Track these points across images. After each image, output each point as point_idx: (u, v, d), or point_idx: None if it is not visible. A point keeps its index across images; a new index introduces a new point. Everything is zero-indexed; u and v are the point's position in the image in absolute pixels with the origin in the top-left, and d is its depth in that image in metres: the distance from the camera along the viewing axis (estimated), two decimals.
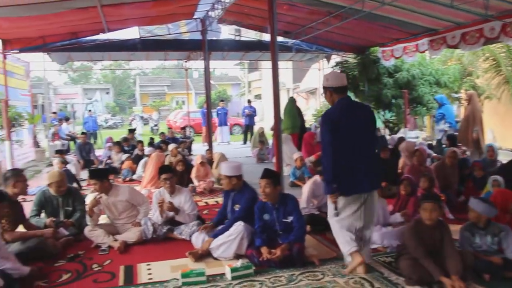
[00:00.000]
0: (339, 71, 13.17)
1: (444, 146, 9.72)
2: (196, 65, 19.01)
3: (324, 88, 4.29)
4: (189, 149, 13.49)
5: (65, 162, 9.14)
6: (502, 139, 13.38)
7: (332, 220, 4.29)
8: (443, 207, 6.00)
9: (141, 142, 11.07)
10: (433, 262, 3.85)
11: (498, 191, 4.79)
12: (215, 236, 4.72)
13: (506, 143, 12.90)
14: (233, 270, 4.09)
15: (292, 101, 11.75)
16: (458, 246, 4.23)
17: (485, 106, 14.80)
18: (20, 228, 4.99)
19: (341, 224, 4.21)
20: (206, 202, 7.49)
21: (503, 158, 7.49)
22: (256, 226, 4.59)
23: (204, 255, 4.65)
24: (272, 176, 4.54)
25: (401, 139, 9.35)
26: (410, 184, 5.71)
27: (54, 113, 19.97)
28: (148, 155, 9.48)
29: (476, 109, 9.52)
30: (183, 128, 17.66)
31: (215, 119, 17.60)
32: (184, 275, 4.00)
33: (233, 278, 4.06)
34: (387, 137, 11.73)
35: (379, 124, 13.37)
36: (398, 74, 11.97)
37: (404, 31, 10.00)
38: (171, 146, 9.31)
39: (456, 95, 15.55)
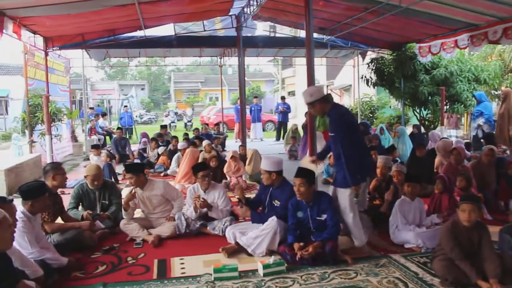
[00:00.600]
0: (374, 67, 12.99)
1: (482, 141, 9.49)
2: (230, 61, 19.10)
3: (311, 103, 4.64)
4: (223, 145, 13.58)
5: (110, 156, 9.39)
6: None
7: (350, 215, 4.57)
8: (482, 207, 5.85)
9: (175, 137, 11.21)
10: (470, 264, 3.76)
11: None
12: (254, 219, 4.87)
13: None
14: (266, 266, 4.10)
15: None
16: (497, 248, 4.12)
17: None
18: (59, 220, 5.13)
19: (356, 215, 4.61)
20: (238, 199, 7.50)
21: None
22: (289, 223, 4.59)
23: (237, 250, 4.68)
24: (307, 175, 4.51)
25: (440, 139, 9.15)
26: (442, 182, 5.61)
27: (91, 108, 20.45)
28: (181, 150, 9.60)
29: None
30: (217, 124, 17.76)
31: (249, 116, 17.64)
32: (216, 270, 4.03)
33: (265, 275, 4.07)
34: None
35: (415, 121, 13.12)
36: (435, 70, 11.69)
37: (443, 27, 9.76)
38: (205, 143, 9.40)
39: (497, 93, 15.11)
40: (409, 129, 12.02)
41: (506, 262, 3.80)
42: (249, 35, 13.04)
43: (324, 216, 4.47)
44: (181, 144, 9.99)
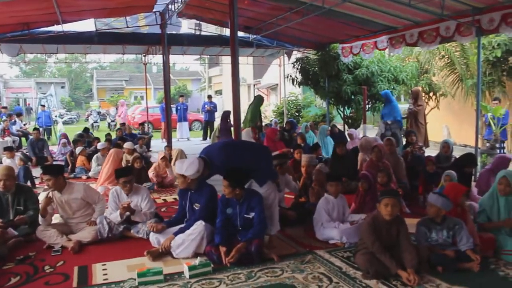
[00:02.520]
0: (299, 67, 13.22)
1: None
2: (155, 59, 18.66)
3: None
4: (148, 145, 13.24)
5: (25, 160, 8.81)
6: (456, 135, 13.83)
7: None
8: (401, 201, 6.13)
9: (97, 138, 10.76)
10: (390, 256, 3.93)
11: (449, 185, 4.90)
12: (176, 234, 4.62)
13: (461, 139, 13.34)
14: (191, 268, 4.02)
15: (260, 99, 12.06)
16: (414, 240, 4.32)
17: (440, 103, 15.25)
18: None
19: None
20: (164, 200, 7.36)
21: (457, 154, 7.69)
22: (217, 220, 4.52)
23: (163, 254, 4.55)
24: (233, 179, 4.45)
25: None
26: (366, 181, 5.80)
27: (5, 107, 19.19)
28: (101, 150, 9.22)
29: (421, 105, 9.79)
30: (142, 124, 17.30)
31: (175, 115, 17.35)
32: (140, 275, 3.89)
33: (191, 277, 3.98)
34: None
35: (339, 120, 13.53)
36: (358, 70, 12.10)
37: (364, 29, 10.13)
38: (127, 145, 9.01)
39: None
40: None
41: (421, 253, 4.05)
42: (174, 32, 12.80)
43: (252, 214, 4.46)
44: (101, 144, 9.58)
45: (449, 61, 13.78)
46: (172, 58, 14.07)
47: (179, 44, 13.14)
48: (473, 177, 6.86)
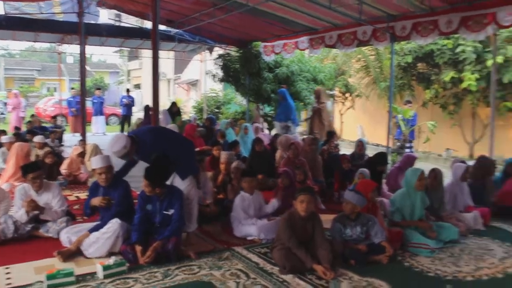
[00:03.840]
0: (221, 63, 13.18)
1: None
2: (71, 49, 17.81)
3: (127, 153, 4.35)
4: (60, 139, 12.55)
5: None
6: (370, 135, 14.52)
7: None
8: (317, 198, 6.32)
9: (3, 131, 10.02)
10: (306, 251, 4.04)
11: (361, 182, 5.15)
12: (91, 232, 4.42)
13: (374, 138, 14.01)
14: (105, 268, 3.85)
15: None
16: (329, 235, 4.46)
17: (356, 103, 15.95)
18: None
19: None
20: (77, 197, 7.01)
21: (370, 152, 8.06)
22: (136, 216, 4.37)
23: (74, 254, 4.31)
24: (153, 179, 4.31)
25: (277, 135, 9.61)
26: (287, 177, 5.91)
27: None
28: (6, 144, 8.59)
29: (324, 103, 10.27)
30: (54, 117, 16.38)
31: (90, 108, 16.63)
32: (49, 277, 3.66)
33: (105, 277, 3.82)
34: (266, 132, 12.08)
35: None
36: (278, 69, 12.30)
37: (286, 28, 10.30)
38: (37, 139, 8.45)
39: (331, 92, 16.50)
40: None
41: (336, 248, 4.21)
42: (92, 22, 12.23)
43: (171, 211, 4.37)
44: (6, 138, 8.89)
45: (364, 64, 14.46)
46: (89, 49, 13.45)
47: (97, 35, 12.54)
48: (384, 174, 7.20)
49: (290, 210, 4.35)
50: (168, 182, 4.58)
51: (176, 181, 4.67)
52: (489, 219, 5.78)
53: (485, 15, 6.70)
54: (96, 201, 4.64)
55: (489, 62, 10.11)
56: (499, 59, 9.75)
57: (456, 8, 7.06)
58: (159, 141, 4.58)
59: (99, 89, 18.80)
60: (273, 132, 11.80)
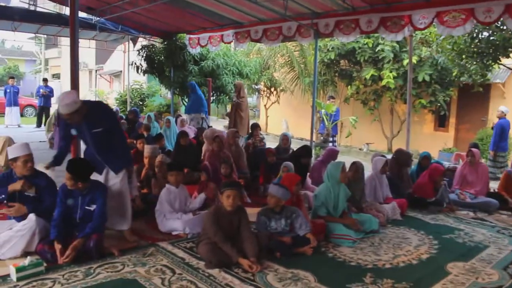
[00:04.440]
0: (144, 54, 12.83)
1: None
2: None
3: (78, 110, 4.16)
4: None
5: None
6: (294, 129, 14.84)
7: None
8: (243, 192, 6.35)
9: None
10: (232, 245, 4.04)
11: (285, 176, 5.22)
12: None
13: (298, 132, 14.34)
14: (20, 269, 3.60)
15: None
16: (254, 228, 4.49)
17: (280, 98, 16.22)
18: None
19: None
20: None
21: (295, 146, 8.22)
22: (55, 211, 4.12)
23: None
24: (76, 172, 4.10)
25: (201, 129, 9.52)
26: (206, 172, 5.91)
27: None
28: None
29: (244, 97, 10.50)
30: None
31: (3, 98, 15.58)
32: None
33: (20, 279, 3.58)
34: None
35: (183, 111, 13.49)
36: (204, 62, 12.20)
37: (211, 21, 10.20)
38: None
39: (256, 87, 16.65)
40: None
41: (261, 241, 4.24)
42: (3, 4, 11.40)
43: (93, 207, 4.18)
44: None
45: (289, 59, 14.73)
46: (1, 34, 12.52)
47: (8, 19, 11.73)
48: (309, 167, 7.37)
49: (216, 204, 4.33)
50: (101, 177, 4.42)
51: (110, 175, 4.51)
52: (406, 209, 6.14)
53: (402, 17, 7.06)
54: (17, 185, 4.25)
55: (406, 62, 10.69)
56: (414, 59, 10.32)
57: (376, 9, 7.37)
58: (109, 116, 4.54)
59: (12, 77, 17.64)
60: (218, 124, 11.72)
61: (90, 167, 4.27)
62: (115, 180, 4.50)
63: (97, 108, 4.45)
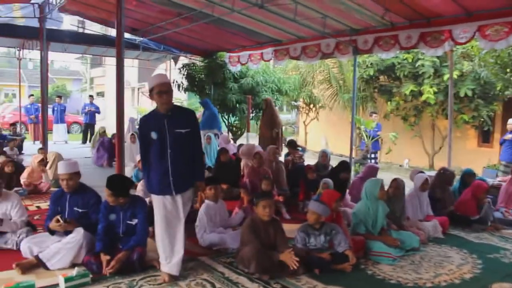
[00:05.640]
0: (185, 72, 13.14)
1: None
2: (32, 55, 17.34)
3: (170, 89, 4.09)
4: (20, 148, 12.22)
5: None
6: (333, 145, 14.75)
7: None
8: (281, 207, 6.40)
9: None
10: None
11: (325, 192, 5.22)
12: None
13: (338, 149, 14.25)
14: (68, 279, 3.76)
15: None
16: (292, 244, 4.52)
17: (319, 114, 16.19)
18: None
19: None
20: (38, 207, 6.83)
21: (334, 163, 8.19)
22: (99, 226, 4.29)
23: (35, 266, 4.19)
24: (116, 189, 4.27)
25: (241, 145, 9.66)
26: (245, 188, 5.98)
27: None
28: None
29: (274, 114, 10.27)
30: (13, 124, 15.90)
31: (51, 116, 16.22)
32: None
33: None
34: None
35: (224, 127, 13.70)
36: (243, 80, 12.38)
37: (251, 39, 10.40)
38: None
39: (296, 103, 16.69)
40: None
41: (298, 254, 4.21)
42: (55, 28, 12.00)
43: (135, 221, 4.32)
44: None
45: (327, 76, 14.72)
46: (52, 55, 13.13)
47: (59, 41, 12.32)
48: (348, 183, 7.34)
49: (252, 216, 4.43)
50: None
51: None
52: (448, 227, 5.99)
53: (442, 32, 7.00)
54: (52, 225, 4.41)
55: (446, 77, 10.50)
56: (456, 73, 10.14)
57: (415, 24, 7.33)
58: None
59: (59, 96, 18.40)
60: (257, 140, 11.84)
61: (129, 182, 4.43)
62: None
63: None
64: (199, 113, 12.87)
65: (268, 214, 4.24)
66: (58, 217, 4.38)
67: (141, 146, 4.18)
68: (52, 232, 4.50)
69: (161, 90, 3.95)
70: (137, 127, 13.02)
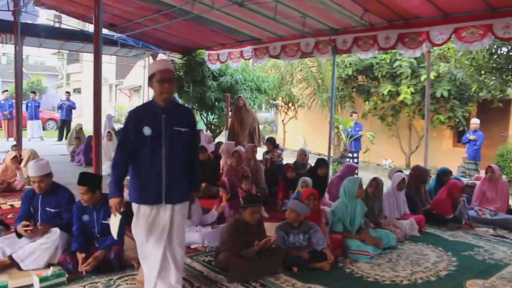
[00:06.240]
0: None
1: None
2: (5, 49, 16.89)
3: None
4: None
5: None
6: (312, 144, 14.83)
7: None
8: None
9: None
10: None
11: (305, 191, 5.24)
12: None
13: (316, 148, 14.33)
14: (42, 279, 3.68)
15: None
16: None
17: (298, 113, 16.26)
18: None
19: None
20: (11, 205, 6.66)
21: (312, 161, 8.22)
22: (74, 228, 4.21)
23: (7, 266, 4.08)
24: (90, 183, 4.18)
25: (219, 143, 9.67)
26: (224, 187, 5.98)
27: None
28: None
29: (249, 111, 10.54)
30: None
31: (25, 112, 15.87)
32: None
33: None
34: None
35: (202, 125, 13.65)
36: (222, 78, 12.34)
37: (231, 37, 10.35)
38: None
39: (275, 102, 16.73)
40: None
41: (279, 254, 4.30)
42: (30, 22, 11.74)
43: (109, 220, 4.25)
44: None
45: (306, 75, 14.79)
46: (26, 50, 12.84)
47: (34, 35, 12.04)
48: (327, 181, 7.38)
49: (236, 217, 4.41)
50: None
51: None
52: (424, 225, 6.10)
53: (420, 33, 7.08)
54: (19, 229, 4.29)
55: (423, 77, 10.67)
56: (432, 74, 10.30)
57: (394, 25, 7.40)
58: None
59: (34, 92, 18.05)
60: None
61: (99, 176, 4.36)
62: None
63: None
64: None
65: (255, 220, 4.26)
66: (27, 222, 4.29)
67: (120, 144, 3.51)
68: (20, 236, 4.35)
69: (163, 77, 3.41)
70: (114, 124, 12.93)
